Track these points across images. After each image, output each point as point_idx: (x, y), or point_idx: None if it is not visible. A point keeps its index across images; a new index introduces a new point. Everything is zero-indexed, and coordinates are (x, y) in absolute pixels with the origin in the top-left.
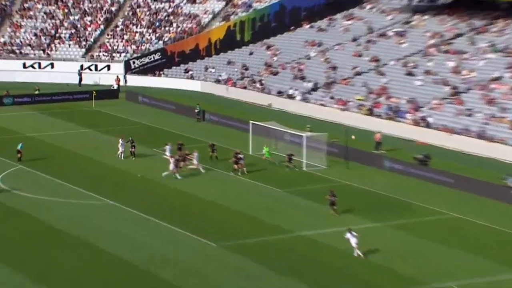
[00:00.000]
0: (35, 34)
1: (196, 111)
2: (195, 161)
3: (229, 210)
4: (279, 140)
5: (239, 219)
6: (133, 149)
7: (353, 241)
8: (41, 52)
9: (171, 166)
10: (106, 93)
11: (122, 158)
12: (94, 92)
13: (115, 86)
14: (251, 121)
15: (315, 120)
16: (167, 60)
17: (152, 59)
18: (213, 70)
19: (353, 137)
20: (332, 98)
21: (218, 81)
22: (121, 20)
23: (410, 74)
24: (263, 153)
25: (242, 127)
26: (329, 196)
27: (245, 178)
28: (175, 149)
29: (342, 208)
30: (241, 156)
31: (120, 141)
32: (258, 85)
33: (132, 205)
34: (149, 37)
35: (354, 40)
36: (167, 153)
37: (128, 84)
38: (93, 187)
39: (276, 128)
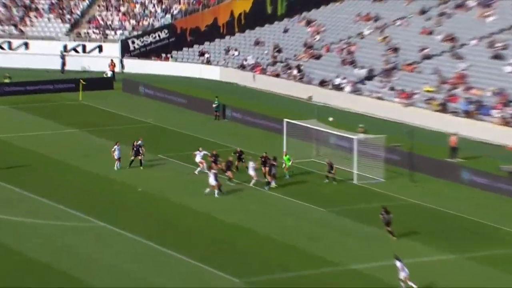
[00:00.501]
0: (4, 5)
1: (214, 106)
2: (251, 172)
3: (256, 236)
4: (322, 144)
5: (269, 247)
6: (140, 156)
7: (402, 274)
8: (12, 28)
9: (211, 180)
10: (97, 83)
11: (118, 167)
12: (81, 81)
13: (109, 73)
14: (285, 120)
15: (369, 118)
16: (176, 40)
17: (157, 38)
18: (236, 53)
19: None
20: (392, 89)
21: (242, 67)
22: None
23: (497, 57)
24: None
25: (274, 127)
26: (383, 214)
27: (278, 194)
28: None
29: (406, 234)
30: (273, 162)
31: (116, 146)
32: (294, 72)
33: (131, 228)
34: (153, 10)
35: (423, 13)
36: (198, 160)
37: (126, 70)
38: (82, 205)
39: (318, 128)
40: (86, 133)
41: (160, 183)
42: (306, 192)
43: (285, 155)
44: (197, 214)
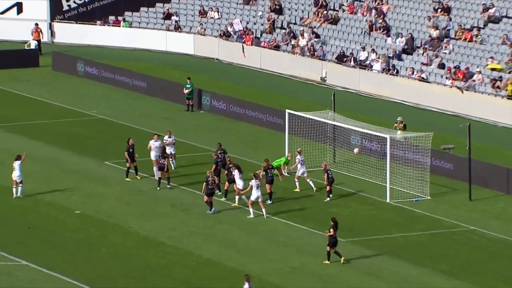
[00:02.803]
0: None
1: (185, 91)
2: (302, 172)
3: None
4: (341, 145)
5: None
6: (134, 162)
7: None
8: None
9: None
10: (14, 57)
11: (18, 194)
12: None
13: (33, 44)
14: (287, 111)
15: (409, 109)
16: None
17: None
18: (216, 15)
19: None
20: (441, 66)
21: (226, 36)
22: None
23: None
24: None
25: (271, 121)
26: (331, 229)
27: (279, 218)
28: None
29: (462, 275)
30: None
31: (16, 163)
32: (301, 42)
33: (66, 269)
34: None
35: None
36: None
37: (57, 40)
38: None
39: (334, 123)
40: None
41: (107, 202)
42: (318, 215)
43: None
44: (163, 246)
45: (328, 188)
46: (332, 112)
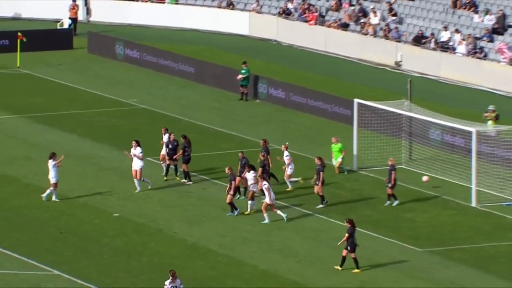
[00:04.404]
0: None
1: (239, 77)
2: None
3: None
4: (418, 140)
5: None
6: (175, 161)
7: None
8: None
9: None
10: (46, 38)
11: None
12: (19, 35)
13: (67, 23)
14: (356, 100)
15: (499, 98)
16: None
17: None
18: None
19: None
20: None
21: (286, 14)
22: None
23: None
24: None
25: (337, 112)
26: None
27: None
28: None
29: None
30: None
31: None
32: (373, 21)
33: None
34: None
35: None
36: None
37: (94, 19)
38: (24, 247)
39: (411, 114)
40: (27, 121)
41: (149, 205)
42: (390, 221)
43: (336, 144)
44: (213, 255)
45: (390, 191)
46: (408, 101)
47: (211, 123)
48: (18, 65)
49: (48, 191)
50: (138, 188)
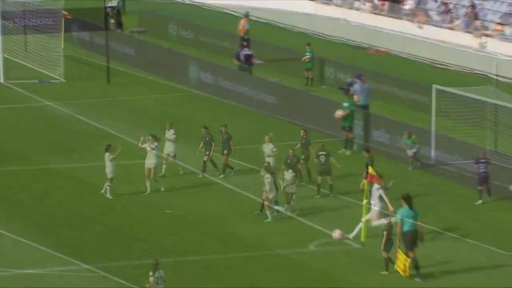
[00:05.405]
0: None
1: (304, 60)
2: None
3: None
4: (503, 129)
5: None
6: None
7: None
8: None
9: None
10: (92, 16)
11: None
12: (64, 12)
13: (115, 1)
14: (434, 86)
15: None
16: None
17: None
18: None
19: None
20: None
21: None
22: None
23: None
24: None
25: (413, 99)
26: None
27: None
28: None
29: None
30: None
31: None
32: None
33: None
34: None
35: None
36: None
37: None
38: (71, 245)
39: (497, 102)
40: (71, 109)
41: (204, 200)
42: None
43: (408, 137)
44: (272, 257)
45: (480, 187)
46: (493, 88)
47: (272, 110)
48: (62, 46)
49: (107, 187)
50: (148, 190)
